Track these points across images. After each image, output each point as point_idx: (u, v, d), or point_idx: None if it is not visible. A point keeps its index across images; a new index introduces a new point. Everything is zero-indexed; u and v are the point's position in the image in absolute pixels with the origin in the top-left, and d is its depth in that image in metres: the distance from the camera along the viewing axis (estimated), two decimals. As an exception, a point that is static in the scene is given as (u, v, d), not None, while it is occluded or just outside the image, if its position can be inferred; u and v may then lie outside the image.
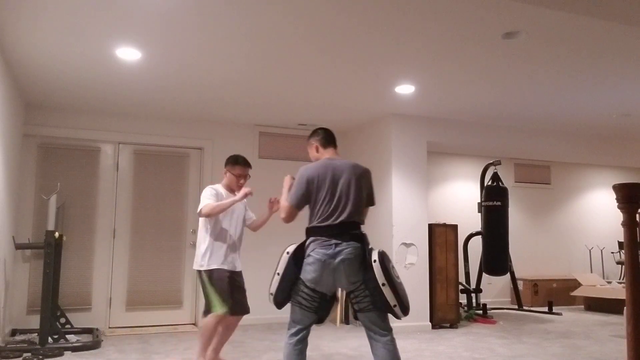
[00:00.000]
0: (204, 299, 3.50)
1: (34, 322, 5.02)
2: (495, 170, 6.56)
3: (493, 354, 4.37)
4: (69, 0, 3.16)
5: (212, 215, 3.41)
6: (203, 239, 3.50)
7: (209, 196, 3.46)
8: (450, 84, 4.78)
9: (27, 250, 5.26)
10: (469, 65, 4.28)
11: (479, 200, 6.81)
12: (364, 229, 2.83)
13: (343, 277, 2.63)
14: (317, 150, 3.00)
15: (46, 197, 5.07)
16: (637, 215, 1.85)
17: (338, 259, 2.62)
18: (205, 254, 3.46)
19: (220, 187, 3.60)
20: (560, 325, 5.94)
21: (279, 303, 2.73)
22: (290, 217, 2.82)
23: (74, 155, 5.62)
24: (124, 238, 5.72)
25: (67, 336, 4.69)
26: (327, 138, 3.02)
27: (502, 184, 6.49)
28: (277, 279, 2.68)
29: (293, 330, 2.68)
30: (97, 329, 5.13)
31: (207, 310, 3.47)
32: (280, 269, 2.69)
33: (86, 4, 3.20)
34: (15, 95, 4.81)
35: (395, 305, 2.58)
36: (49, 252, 4.46)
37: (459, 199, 7.68)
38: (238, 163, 3.62)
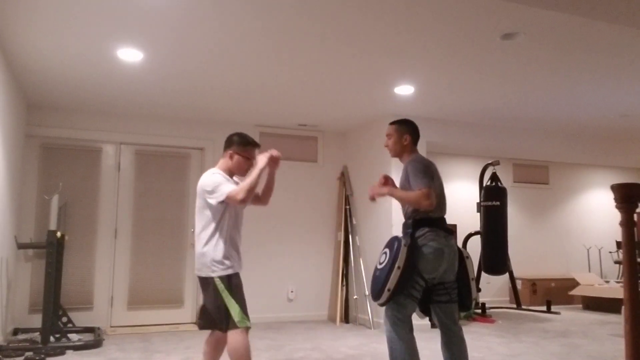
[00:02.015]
0: (216, 313, 2.78)
1: (36, 321, 5.04)
2: (494, 171, 6.59)
3: (492, 353, 4.40)
4: (71, 1, 3.18)
5: (249, 199, 2.78)
6: (213, 238, 2.82)
7: (226, 181, 2.85)
8: (449, 84, 4.82)
9: (29, 249, 5.28)
10: (467, 66, 4.32)
11: (478, 201, 6.85)
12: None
13: (451, 268, 2.76)
14: (408, 143, 2.98)
15: (48, 197, 5.09)
16: (635, 215, 1.87)
17: (453, 250, 2.76)
18: (221, 256, 2.80)
19: (222, 173, 2.98)
20: (558, 325, 5.97)
21: (390, 299, 2.68)
22: (434, 200, 2.72)
23: (75, 156, 5.65)
24: (125, 238, 5.74)
25: (68, 335, 4.71)
26: (418, 137, 3.05)
27: (501, 184, 6.52)
28: (397, 273, 2.64)
29: (406, 325, 2.70)
30: (98, 328, 5.16)
31: (225, 327, 2.76)
32: (401, 261, 2.65)
33: (87, 4, 3.23)
34: (18, 96, 4.83)
35: (474, 299, 2.81)
36: (51, 252, 4.48)
37: (458, 199, 7.71)
38: (250, 144, 3.01)
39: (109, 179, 5.75)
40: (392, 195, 2.89)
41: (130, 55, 4.05)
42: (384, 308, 2.78)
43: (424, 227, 2.76)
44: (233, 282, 2.80)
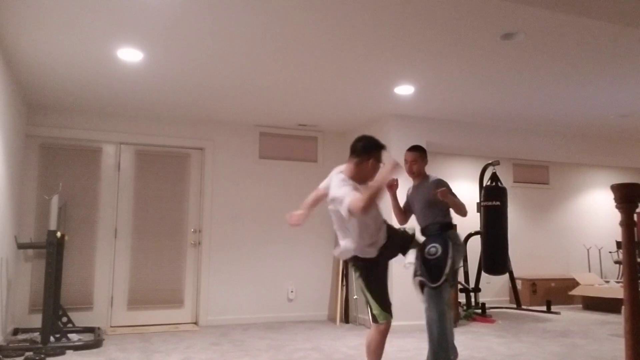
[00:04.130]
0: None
1: (36, 321, 5.04)
2: (494, 171, 6.59)
3: (492, 353, 4.40)
4: (71, 1, 3.18)
5: (367, 212, 2.68)
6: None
7: (350, 186, 2.81)
8: (449, 84, 4.82)
9: (29, 249, 5.28)
10: (467, 66, 4.31)
11: (478, 201, 6.84)
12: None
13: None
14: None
15: (48, 197, 5.09)
16: (635, 215, 1.87)
17: None
18: None
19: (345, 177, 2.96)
20: (558, 325, 5.97)
21: (443, 282, 3.35)
22: None
23: (75, 156, 5.65)
24: (125, 238, 5.74)
25: (68, 335, 4.70)
26: None
27: (501, 184, 6.52)
28: (450, 262, 3.35)
29: (445, 307, 3.35)
30: (98, 328, 5.16)
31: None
32: (450, 254, 3.38)
33: (88, 4, 3.23)
34: (18, 96, 4.83)
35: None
36: (51, 252, 4.48)
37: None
38: (384, 150, 3.01)
39: (109, 179, 5.75)
40: (453, 201, 3.44)
41: (130, 55, 4.05)
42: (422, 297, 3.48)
43: (450, 230, 3.50)
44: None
